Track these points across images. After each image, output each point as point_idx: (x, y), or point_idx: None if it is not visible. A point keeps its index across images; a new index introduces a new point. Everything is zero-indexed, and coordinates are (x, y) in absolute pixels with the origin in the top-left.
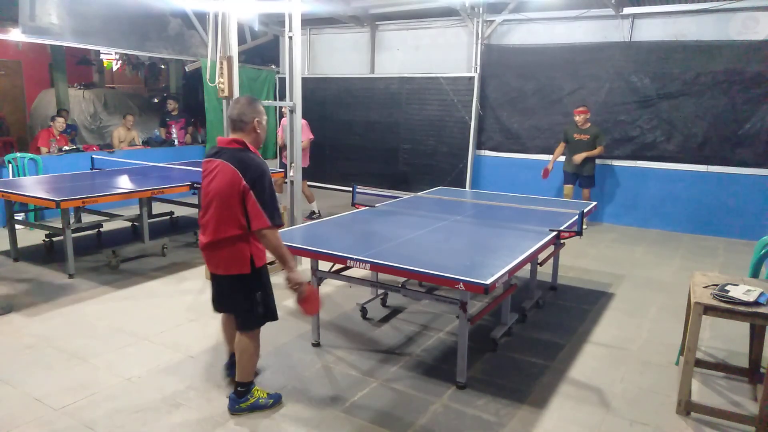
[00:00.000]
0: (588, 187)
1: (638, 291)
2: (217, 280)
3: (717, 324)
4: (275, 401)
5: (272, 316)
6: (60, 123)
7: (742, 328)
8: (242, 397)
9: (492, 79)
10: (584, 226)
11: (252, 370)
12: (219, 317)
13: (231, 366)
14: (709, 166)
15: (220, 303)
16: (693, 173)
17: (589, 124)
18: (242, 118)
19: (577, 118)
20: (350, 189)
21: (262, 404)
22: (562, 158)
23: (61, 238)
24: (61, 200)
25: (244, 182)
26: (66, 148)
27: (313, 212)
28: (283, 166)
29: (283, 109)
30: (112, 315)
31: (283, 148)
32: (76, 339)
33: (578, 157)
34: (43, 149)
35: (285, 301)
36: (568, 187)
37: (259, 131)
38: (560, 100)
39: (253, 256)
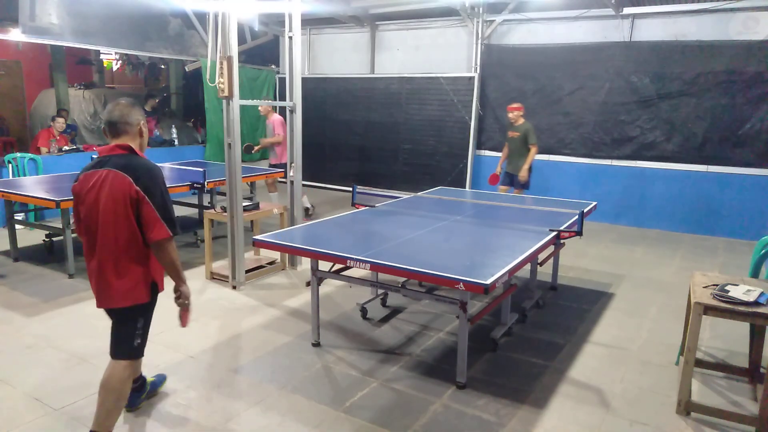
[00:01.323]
0: (520, 188)
1: (638, 291)
2: (110, 315)
3: (717, 324)
4: (157, 383)
5: (142, 350)
6: (60, 123)
7: (742, 328)
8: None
9: (492, 79)
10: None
11: (117, 414)
12: (219, 317)
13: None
14: (709, 166)
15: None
16: (693, 173)
17: (522, 121)
18: (127, 119)
19: (509, 114)
20: (350, 189)
21: (153, 384)
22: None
23: (61, 238)
24: (61, 200)
25: (136, 188)
26: (66, 148)
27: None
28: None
29: (260, 108)
30: None
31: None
32: (76, 339)
33: (523, 175)
34: (43, 149)
35: (286, 300)
36: (503, 188)
37: (143, 135)
38: (560, 100)
39: (156, 281)
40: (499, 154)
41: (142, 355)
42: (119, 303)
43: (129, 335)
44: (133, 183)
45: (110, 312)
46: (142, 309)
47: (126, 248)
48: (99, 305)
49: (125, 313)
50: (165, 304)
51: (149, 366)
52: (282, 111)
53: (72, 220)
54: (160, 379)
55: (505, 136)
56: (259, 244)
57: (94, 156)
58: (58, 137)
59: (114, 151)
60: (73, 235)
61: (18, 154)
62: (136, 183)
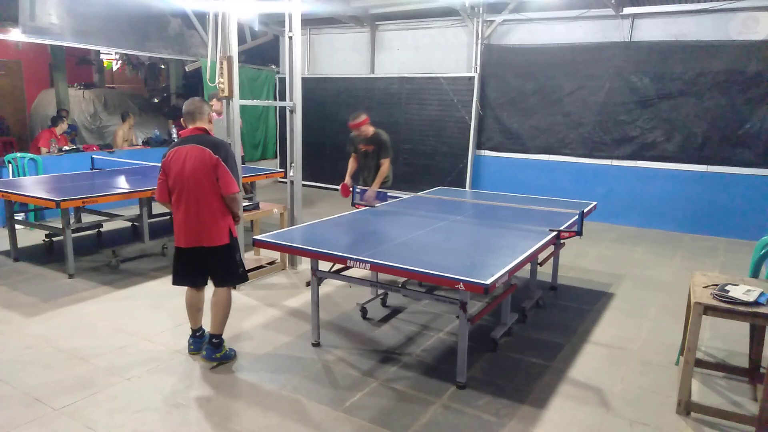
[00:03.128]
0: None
1: (638, 291)
2: (194, 253)
3: (717, 324)
4: (235, 354)
5: (246, 275)
6: (64, 125)
7: (742, 328)
8: (218, 348)
9: (492, 79)
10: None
11: (225, 323)
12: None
13: (196, 341)
14: (709, 166)
15: (196, 275)
16: (693, 173)
17: (371, 131)
18: (200, 110)
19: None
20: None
21: (230, 355)
22: None
23: (61, 238)
24: (61, 200)
25: (216, 156)
26: (66, 148)
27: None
28: None
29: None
30: (112, 315)
31: None
32: (76, 339)
33: (371, 191)
34: (43, 149)
35: (286, 300)
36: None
37: (211, 122)
38: (560, 100)
39: (231, 228)
40: (499, 154)
41: (247, 278)
42: (207, 243)
43: (228, 269)
44: (212, 153)
45: (207, 251)
46: (233, 247)
47: (211, 200)
48: (193, 244)
49: (223, 251)
50: (165, 303)
51: (149, 364)
52: (282, 111)
53: (155, 189)
54: (233, 350)
55: (505, 136)
56: (259, 244)
57: (174, 138)
58: (59, 137)
59: (194, 132)
60: (74, 234)
61: (18, 154)
62: (216, 153)
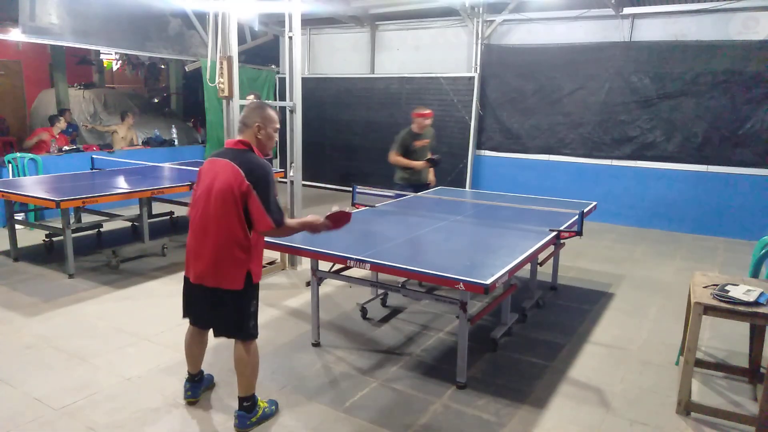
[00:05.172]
0: None
1: (638, 291)
2: (201, 290)
3: (717, 324)
4: (276, 407)
5: (256, 330)
6: (62, 124)
7: (742, 328)
8: (251, 411)
9: (492, 79)
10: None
11: (255, 381)
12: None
13: (194, 386)
14: (709, 166)
15: (201, 314)
16: (693, 173)
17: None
18: (245, 121)
19: (428, 122)
20: (350, 189)
21: (269, 413)
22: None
23: (61, 238)
24: (61, 200)
25: (247, 182)
26: (66, 148)
27: None
28: None
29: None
30: (112, 315)
31: None
32: (76, 339)
33: (434, 178)
34: (29, 142)
35: (286, 300)
36: None
37: (260, 137)
38: (560, 100)
39: (251, 273)
40: (499, 154)
41: (256, 335)
42: (212, 283)
43: (244, 318)
44: (243, 176)
45: (213, 292)
46: (249, 294)
47: (235, 231)
48: (199, 280)
49: (234, 297)
50: (165, 303)
51: (149, 364)
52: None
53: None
54: (274, 404)
55: (505, 136)
56: None
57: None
58: (57, 136)
59: (236, 145)
60: (74, 234)
61: (18, 154)
62: (247, 177)
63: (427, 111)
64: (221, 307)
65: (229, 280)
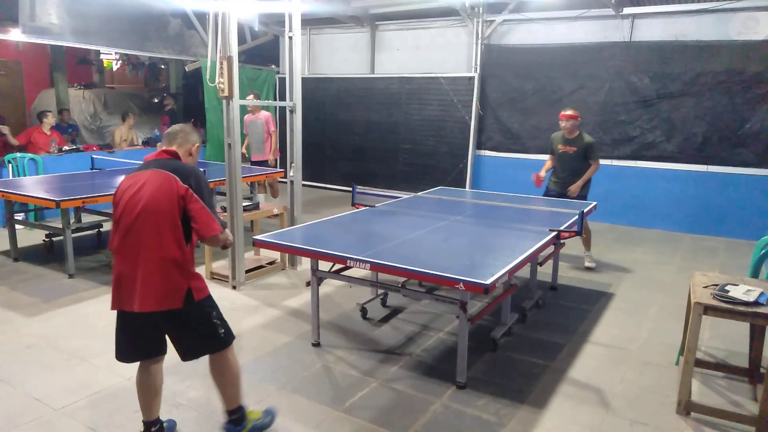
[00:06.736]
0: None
1: (638, 291)
2: (145, 319)
3: (717, 324)
4: (272, 418)
5: (229, 335)
6: (50, 120)
7: (742, 328)
8: (240, 424)
9: (492, 79)
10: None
11: (240, 391)
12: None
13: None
14: (709, 166)
15: (150, 342)
16: (693, 173)
17: (577, 132)
18: (184, 136)
19: (563, 123)
20: (350, 189)
21: (261, 425)
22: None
23: (61, 238)
24: (61, 200)
25: (185, 186)
26: (66, 148)
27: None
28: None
29: (249, 107)
30: (112, 315)
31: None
32: (76, 339)
33: (573, 189)
34: (14, 141)
35: (286, 300)
36: None
37: (192, 155)
38: (560, 100)
39: (192, 290)
40: (499, 154)
41: (231, 340)
42: (154, 307)
43: (211, 327)
44: (179, 181)
45: (162, 316)
46: (204, 306)
47: (168, 245)
48: (138, 308)
49: (190, 313)
50: None
51: None
52: (282, 111)
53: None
54: (270, 413)
55: (505, 136)
56: (259, 244)
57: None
58: (49, 133)
59: (160, 155)
60: (74, 234)
61: (18, 154)
62: (184, 181)
63: (567, 111)
64: (181, 328)
65: (171, 300)
